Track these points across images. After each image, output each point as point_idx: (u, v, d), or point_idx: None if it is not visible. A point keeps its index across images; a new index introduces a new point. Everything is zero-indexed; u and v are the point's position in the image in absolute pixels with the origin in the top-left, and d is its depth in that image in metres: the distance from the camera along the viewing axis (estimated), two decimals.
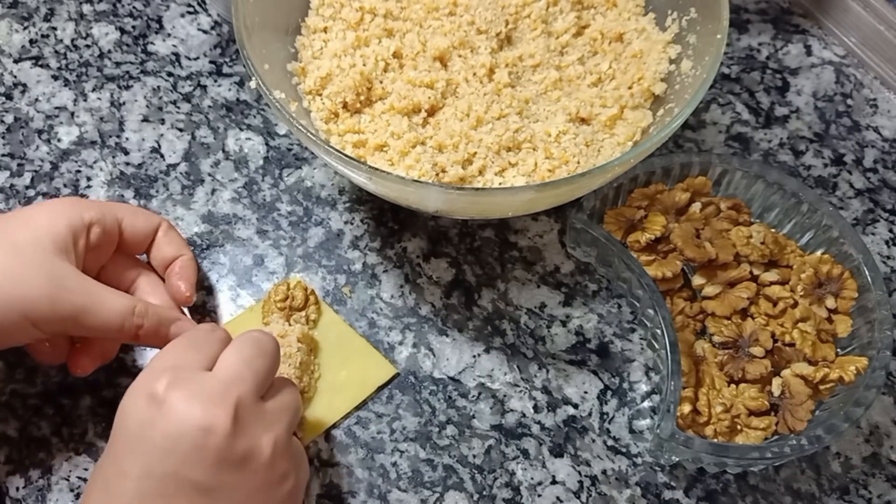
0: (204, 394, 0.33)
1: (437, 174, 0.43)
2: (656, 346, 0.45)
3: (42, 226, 0.39)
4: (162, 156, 0.53)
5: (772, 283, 0.46)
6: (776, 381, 0.43)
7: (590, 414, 0.45)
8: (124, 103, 0.55)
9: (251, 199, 0.51)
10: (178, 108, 0.55)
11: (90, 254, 0.41)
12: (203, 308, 0.47)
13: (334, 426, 0.44)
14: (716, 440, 0.42)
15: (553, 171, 0.43)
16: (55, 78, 0.56)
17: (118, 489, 0.33)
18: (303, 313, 0.46)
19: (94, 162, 0.52)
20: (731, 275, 0.46)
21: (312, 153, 0.52)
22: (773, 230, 0.48)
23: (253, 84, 0.40)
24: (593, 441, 0.44)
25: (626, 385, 0.46)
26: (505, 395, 0.45)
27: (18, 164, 0.52)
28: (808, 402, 0.42)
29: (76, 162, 0.52)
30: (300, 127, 0.38)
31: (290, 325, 0.45)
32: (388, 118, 0.45)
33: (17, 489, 0.42)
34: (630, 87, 0.47)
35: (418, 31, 0.48)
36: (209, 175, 0.52)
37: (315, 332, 0.46)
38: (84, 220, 0.40)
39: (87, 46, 0.57)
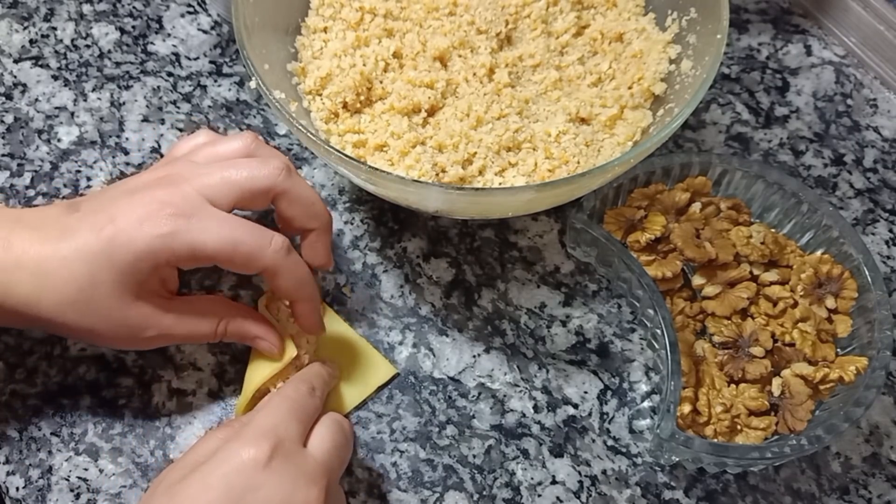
0: (305, 473, 0.35)
1: (437, 174, 0.43)
2: (656, 346, 0.45)
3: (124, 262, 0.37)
4: (162, 156, 0.53)
5: (772, 283, 0.46)
6: (776, 381, 0.43)
7: (590, 414, 0.45)
8: (124, 103, 0.55)
9: None
10: (178, 108, 0.55)
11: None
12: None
13: None
14: (716, 440, 0.42)
15: (553, 171, 0.43)
16: (55, 78, 0.56)
17: None
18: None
19: (94, 162, 0.52)
20: (731, 275, 0.46)
21: (312, 153, 0.52)
22: (773, 230, 0.48)
23: (253, 84, 0.40)
24: (593, 441, 0.44)
25: (626, 385, 0.46)
26: (505, 395, 0.45)
27: (18, 164, 0.52)
28: (808, 402, 0.42)
29: (76, 162, 0.52)
30: (300, 127, 0.38)
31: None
32: (388, 118, 0.45)
33: (17, 489, 0.42)
34: (630, 87, 0.47)
35: (418, 31, 0.48)
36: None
37: None
38: (162, 260, 0.38)
39: (87, 46, 0.57)
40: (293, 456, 0.35)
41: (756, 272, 0.46)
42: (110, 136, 0.53)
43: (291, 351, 0.42)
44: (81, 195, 0.51)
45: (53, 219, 0.38)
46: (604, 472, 0.44)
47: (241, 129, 0.54)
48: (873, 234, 0.52)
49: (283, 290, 0.40)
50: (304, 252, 0.43)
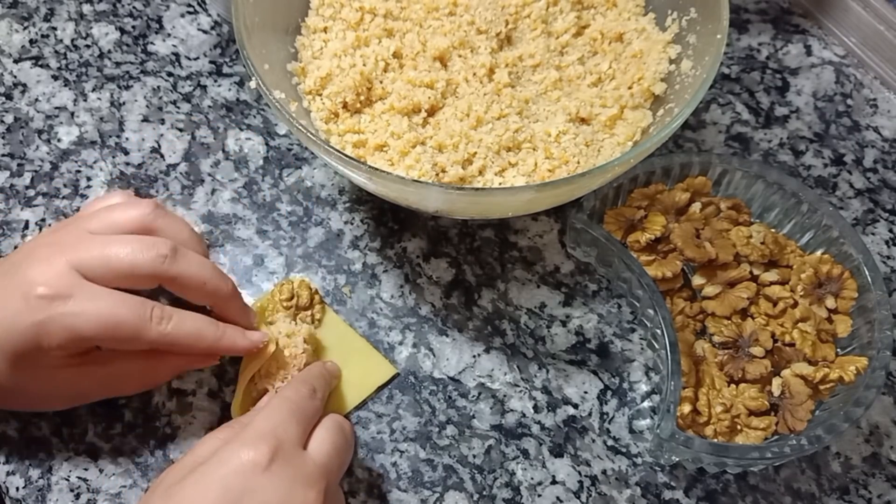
0: (303, 475, 0.35)
1: (437, 174, 0.43)
2: (656, 346, 0.45)
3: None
4: (162, 156, 0.53)
5: (772, 283, 0.46)
6: (776, 381, 0.43)
7: (590, 414, 0.45)
8: (124, 103, 0.55)
9: (251, 199, 0.51)
10: (178, 108, 0.55)
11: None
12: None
13: None
14: (716, 440, 0.42)
15: (553, 171, 0.43)
16: (55, 78, 0.56)
17: None
18: (308, 313, 0.46)
19: (94, 162, 0.52)
20: (731, 275, 0.46)
21: (312, 153, 0.52)
22: (773, 230, 0.48)
23: (253, 84, 0.40)
24: (593, 441, 0.44)
25: (626, 385, 0.46)
26: (505, 395, 0.45)
27: (18, 164, 0.52)
28: (808, 402, 0.42)
29: (76, 162, 0.52)
30: (300, 127, 0.38)
31: (296, 324, 0.45)
32: (388, 118, 0.45)
33: (17, 489, 0.42)
34: (630, 87, 0.47)
35: (418, 31, 0.48)
36: (209, 175, 0.52)
37: (317, 332, 0.46)
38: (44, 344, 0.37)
39: (87, 46, 0.57)
40: (292, 458, 0.35)
41: (756, 272, 0.46)
42: (110, 136, 0.53)
43: (266, 350, 0.42)
44: (82, 195, 0.51)
45: None
46: (604, 472, 0.44)
47: (241, 129, 0.54)
48: (873, 234, 0.52)
49: (184, 351, 0.40)
50: (218, 317, 0.42)
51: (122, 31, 0.58)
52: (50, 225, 0.50)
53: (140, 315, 0.37)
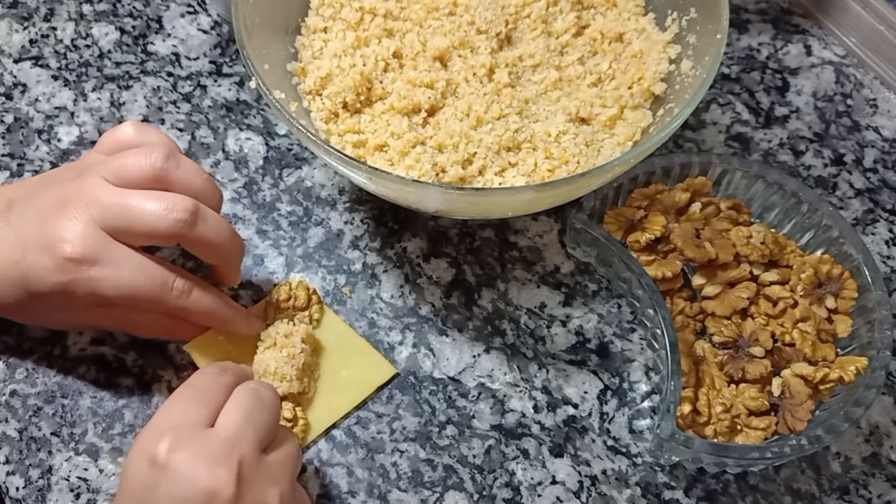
0: (207, 455, 0.33)
1: (437, 174, 0.43)
2: (656, 346, 0.45)
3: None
4: None
5: (772, 283, 0.46)
6: (776, 381, 0.43)
7: (590, 414, 0.45)
8: (124, 103, 0.55)
9: (251, 199, 0.51)
10: (178, 108, 0.55)
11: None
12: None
13: (334, 426, 0.44)
14: (716, 440, 0.42)
15: (553, 171, 0.43)
16: (55, 78, 0.56)
17: None
18: (306, 313, 0.46)
19: None
20: (731, 275, 0.46)
21: (312, 153, 0.52)
22: (773, 230, 0.48)
23: (253, 84, 0.40)
24: (593, 441, 0.44)
25: (626, 385, 0.46)
26: (505, 395, 0.45)
27: (18, 164, 0.52)
28: (808, 402, 0.42)
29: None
30: (300, 127, 0.38)
31: (294, 325, 0.45)
32: (388, 118, 0.45)
33: (17, 489, 0.42)
34: (630, 87, 0.47)
35: (418, 31, 0.48)
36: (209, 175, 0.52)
37: (316, 332, 0.46)
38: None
39: (87, 46, 0.57)
40: (192, 442, 0.33)
41: (756, 272, 0.46)
42: None
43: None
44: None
45: None
46: (604, 472, 0.44)
47: (241, 129, 0.54)
48: (873, 234, 0.52)
49: (196, 321, 0.41)
50: (212, 273, 0.44)
51: (122, 31, 0.58)
52: None
53: (161, 286, 0.38)
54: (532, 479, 0.43)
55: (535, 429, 0.45)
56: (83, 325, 0.44)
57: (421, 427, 0.44)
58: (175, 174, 0.39)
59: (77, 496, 0.42)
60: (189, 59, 0.57)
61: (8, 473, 0.42)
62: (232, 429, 0.34)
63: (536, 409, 0.45)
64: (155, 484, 0.33)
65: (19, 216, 0.39)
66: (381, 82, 0.46)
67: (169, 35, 0.58)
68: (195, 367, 0.45)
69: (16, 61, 0.56)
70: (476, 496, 0.43)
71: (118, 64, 0.56)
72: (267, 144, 0.53)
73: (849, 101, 0.57)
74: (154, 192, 0.39)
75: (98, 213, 0.37)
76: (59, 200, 0.38)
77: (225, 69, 0.57)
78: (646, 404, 0.46)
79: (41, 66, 0.56)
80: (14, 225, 0.39)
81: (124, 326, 0.42)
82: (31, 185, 0.41)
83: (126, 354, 0.46)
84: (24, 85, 0.55)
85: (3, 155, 0.52)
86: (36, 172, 0.52)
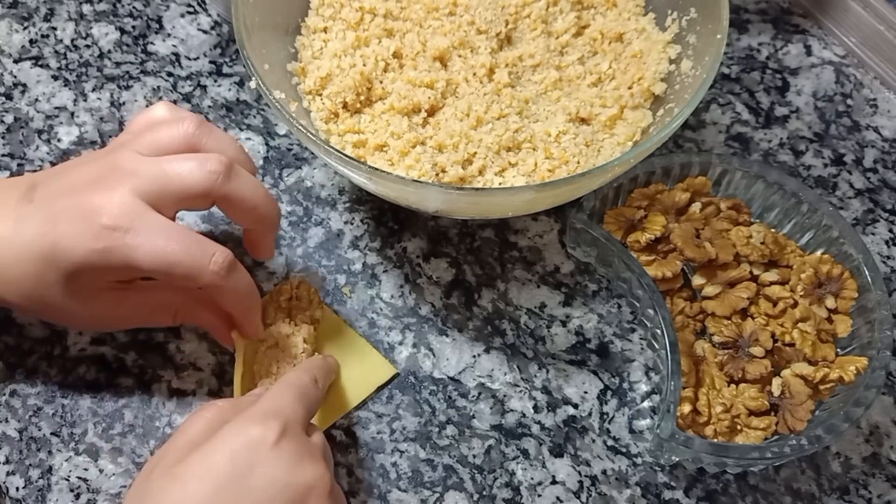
0: (310, 454, 0.35)
1: (437, 174, 0.43)
2: (656, 346, 0.45)
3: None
4: None
5: (772, 283, 0.46)
6: (776, 381, 0.43)
7: (590, 414, 0.45)
8: (124, 103, 0.55)
9: None
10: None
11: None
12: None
13: (334, 426, 0.44)
14: (716, 440, 0.42)
15: (553, 171, 0.43)
16: (55, 78, 0.56)
17: None
18: (307, 313, 0.46)
19: None
20: (731, 275, 0.46)
21: (312, 153, 0.52)
22: (773, 230, 0.48)
23: (253, 84, 0.40)
24: (593, 441, 0.44)
25: (626, 385, 0.46)
26: (505, 395, 0.45)
27: (18, 164, 0.52)
28: (808, 402, 0.42)
29: None
30: (300, 127, 0.38)
31: (295, 325, 0.45)
32: (388, 118, 0.45)
33: (17, 489, 0.42)
34: (630, 87, 0.47)
35: (418, 31, 0.48)
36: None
37: (316, 332, 0.46)
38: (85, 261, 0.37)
39: (87, 46, 0.57)
40: (298, 437, 0.35)
41: (756, 272, 0.46)
42: (110, 136, 0.53)
43: (240, 340, 0.43)
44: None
45: (13, 203, 0.38)
46: (604, 472, 0.44)
47: (242, 130, 0.54)
48: (873, 234, 0.52)
49: (222, 304, 0.40)
50: (245, 244, 0.43)
51: (122, 31, 0.58)
52: None
53: (200, 258, 0.37)
54: (532, 479, 0.43)
55: (535, 429, 0.45)
56: (98, 313, 0.41)
57: (421, 427, 0.44)
58: (207, 141, 0.39)
59: (77, 496, 0.42)
60: (189, 59, 0.57)
61: (8, 473, 0.42)
62: (323, 446, 0.37)
63: (536, 409, 0.45)
64: (262, 462, 0.33)
65: (45, 195, 0.38)
66: (381, 82, 0.46)
67: (169, 35, 0.58)
68: (196, 368, 0.45)
69: (16, 61, 0.56)
70: (476, 496, 0.43)
71: (118, 64, 0.56)
72: (267, 144, 0.53)
73: (849, 101, 0.57)
74: (187, 154, 0.38)
75: (135, 183, 0.37)
76: (94, 175, 0.38)
77: (225, 69, 0.57)
78: (646, 404, 0.46)
79: (41, 66, 0.56)
80: (39, 203, 0.38)
81: (139, 313, 0.41)
82: (56, 169, 0.40)
83: (126, 354, 0.46)
84: (24, 85, 0.55)
85: (3, 155, 0.52)
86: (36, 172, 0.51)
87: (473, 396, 0.45)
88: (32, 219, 0.37)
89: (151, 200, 0.37)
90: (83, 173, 0.38)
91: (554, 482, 0.43)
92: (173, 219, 0.38)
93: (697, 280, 0.47)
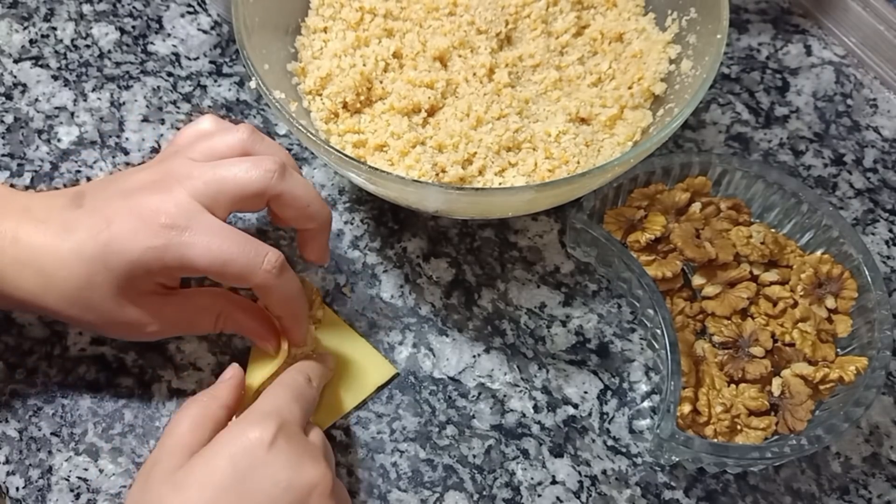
0: (309, 453, 0.35)
1: (437, 174, 0.43)
2: (656, 346, 0.45)
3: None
4: None
5: (772, 283, 0.46)
6: (776, 381, 0.43)
7: (590, 414, 0.45)
8: (124, 103, 0.55)
9: None
10: (178, 108, 0.55)
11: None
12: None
13: (334, 426, 0.44)
14: (716, 440, 0.42)
15: (553, 171, 0.43)
16: (55, 78, 0.56)
17: None
18: (309, 313, 0.46)
19: (94, 162, 0.52)
20: (731, 275, 0.46)
21: (312, 153, 0.52)
22: (773, 230, 0.48)
23: (253, 84, 0.40)
24: (593, 441, 0.44)
25: (626, 385, 0.46)
26: (505, 395, 0.45)
27: (18, 164, 0.52)
28: (808, 402, 0.42)
29: (76, 162, 0.52)
30: (300, 127, 0.38)
31: None
32: (388, 118, 0.45)
33: (17, 489, 0.42)
34: (630, 87, 0.47)
35: (418, 31, 0.48)
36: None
37: (317, 332, 0.46)
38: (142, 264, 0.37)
39: (87, 46, 0.57)
40: (297, 436, 0.35)
41: (756, 272, 0.46)
42: (110, 136, 0.53)
43: (286, 348, 0.42)
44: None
45: (58, 211, 0.38)
46: (604, 472, 0.44)
47: None
48: (873, 234, 0.52)
49: (271, 306, 0.40)
50: (299, 247, 0.43)
51: (122, 31, 0.58)
52: None
53: (254, 256, 0.37)
54: (532, 479, 0.43)
55: (535, 429, 0.45)
56: (138, 319, 0.40)
57: (421, 427, 0.44)
58: (259, 146, 0.40)
59: (77, 496, 0.42)
60: (189, 59, 0.57)
61: (8, 473, 0.42)
62: (322, 446, 0.38)
63: (536, 409, 0.45)
64: (262, 464, 0.34)
65: (96, 200, 0.38)
66: (381, 82, 0.46)
67: (169, 35, 0.58)
68: (196, 367, 0.45)
69: (16, 61, 0.56)
70: (476, 496, 0.43)
71: (118, 64, 0.56)
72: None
73: (849, 101, 0.57)
74: (239, 157, 0.39)
75: (190, 185, 0.37)
76: (148, 181, 0.38)
77: (225, 69, 0.57)
78: (646, 404, 0.46)
79: (41, 66, 0.56)
80: (90, 207, 0.38)
81: (181, 319, 0.41)
82: (103, 179, 0.41)
83: (126, 354, 0.46)
84: (24, 85, 0.55)
85: (3, 155, 0.52)
86: (36, 172, 0.52)
87: (473, 396, 0.45)
88: (82, 222, 0.37)
89: (207, 203, 0.37)
90: (136, 179, 0.39)
91: (554, 482, 0.43)
92: (225, 221, 0.38)
93: (697, 280, 0.47)
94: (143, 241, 0.36)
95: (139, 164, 0.52)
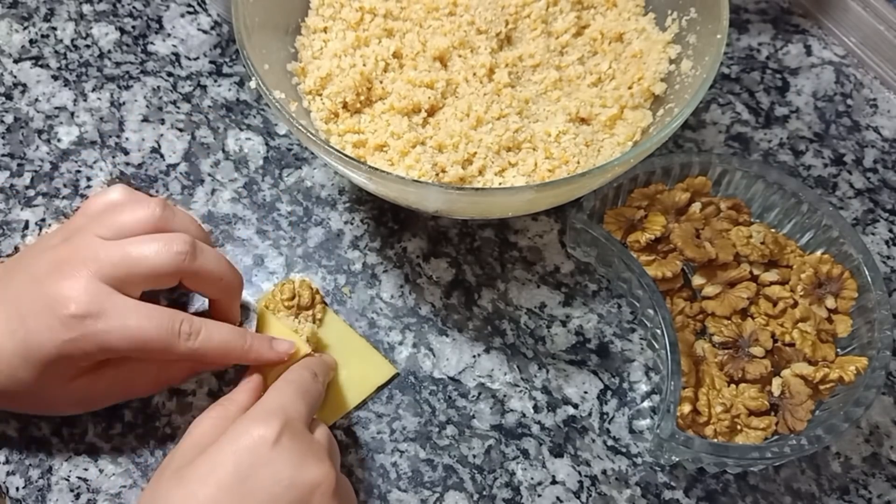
0: (314, 452, 0.35)
1: (437, 174, 0.43)
2: (656, 346, 0.45)
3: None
4: (162, 156, 0.53)
5: (772, 283, 0.46)
6: (776, 381, 0.43)
7: (590, 414, 0.45)
8: (124, 103, 0.55)
9: (251, 200, 0.51)
10: (178, 108, 0.55)
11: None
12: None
13: (334, 426, 0.44)
14: (716, 440, 0.42)
15: (553, 171, 0.43)
16: (55, 78, 0.56)
17: None
18: (310, 312, 0.46)
19: (94, 162, 0.52)
20: (731, 275, 0.46)
21: (312, 153, 0.52)
22: (773, 230, 0.48)
23: (253, 84, 0.40)
24: (593, 441, 0.44)
25: (626, 385, 0.46)
26: (505, 395, 0.45)
27: (18, 164, 0.52)
28: (808, 402, 0.42)
29: (76, 162, 0.52)
30: (300, 127, 0.38)
31: (299, 323, 0.45)
32: (388, 118, 0.45)
33: (17, 489, 0.42)
34: (630, 87, 0.47)
35: (418, 31, 0.48)
36: (209, 175, 0.52)
37: (317, 332, 0.46)
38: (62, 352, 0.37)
39: (87, 46, 0.57)
40: (300, 434, 0.36)
41: (756, 272, 0.46)
42: (110, 136, 0.53)
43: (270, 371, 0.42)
44: (82, 195, 0.51)
45: None
46: (604, 472, 0.44)
47: (241, 129, 0.54)
48: (873, 234, 0.52)
49: (213, 362, 0.41)
50: (210, 311, 0.43)
51: (122, 31, 0.58)
52: (50, 225, 0.50)
53: (169, 331, 0.37)
54: (532, 479, 0.43)
55: (535, 429, 0.45)
56: (74, 397, 0.40)
57: (421, 427, 0.44)
58: (172, 222, 0.40)
59: (77, 496, 0.42)
60: (189, 59, 0.57)
61: (8, 473, 0.42)
62: (328, 443, 0.38)
63: (536, 409, 0.45)
64: (265, 462, 0.34)
65: (8, 290, 0.38)
66: (381, 82, 0.46)
67: (169, 35, 0.58)
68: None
69: (16, 61, 0.56)
70: (476, 496, 0.43)
71: (118, 64, 0.56)
72: (267, 144, 0.53)
73: (849, 101, 0.57)
74: (148, 235, 0.39)
75: (97, 268, 0.37)
76: (54, 264, 0.37)
77: (225, 69, 0.57)
78: (646, 404, 0.46)
79: (41, 66, 0.56)
80: (3, 298, 0.38)
81: (116, 389, 0.41)
82: (14, 260, 0.40)
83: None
84: (24, 85, 0.55)
85: (3, 155, 0.52)
86: (36, 172, 0.52)
87: (473, 396, 0.45)
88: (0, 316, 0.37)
89: (117, 284, 0.37)
90: (44, 262, 0.38)
91: (554, 482, 0.43)
92: (139, 297, 0.38)
93: (697, 280, 0.47)
94: (58, 336, 0.36)
95: (138, 167, 0.52)
